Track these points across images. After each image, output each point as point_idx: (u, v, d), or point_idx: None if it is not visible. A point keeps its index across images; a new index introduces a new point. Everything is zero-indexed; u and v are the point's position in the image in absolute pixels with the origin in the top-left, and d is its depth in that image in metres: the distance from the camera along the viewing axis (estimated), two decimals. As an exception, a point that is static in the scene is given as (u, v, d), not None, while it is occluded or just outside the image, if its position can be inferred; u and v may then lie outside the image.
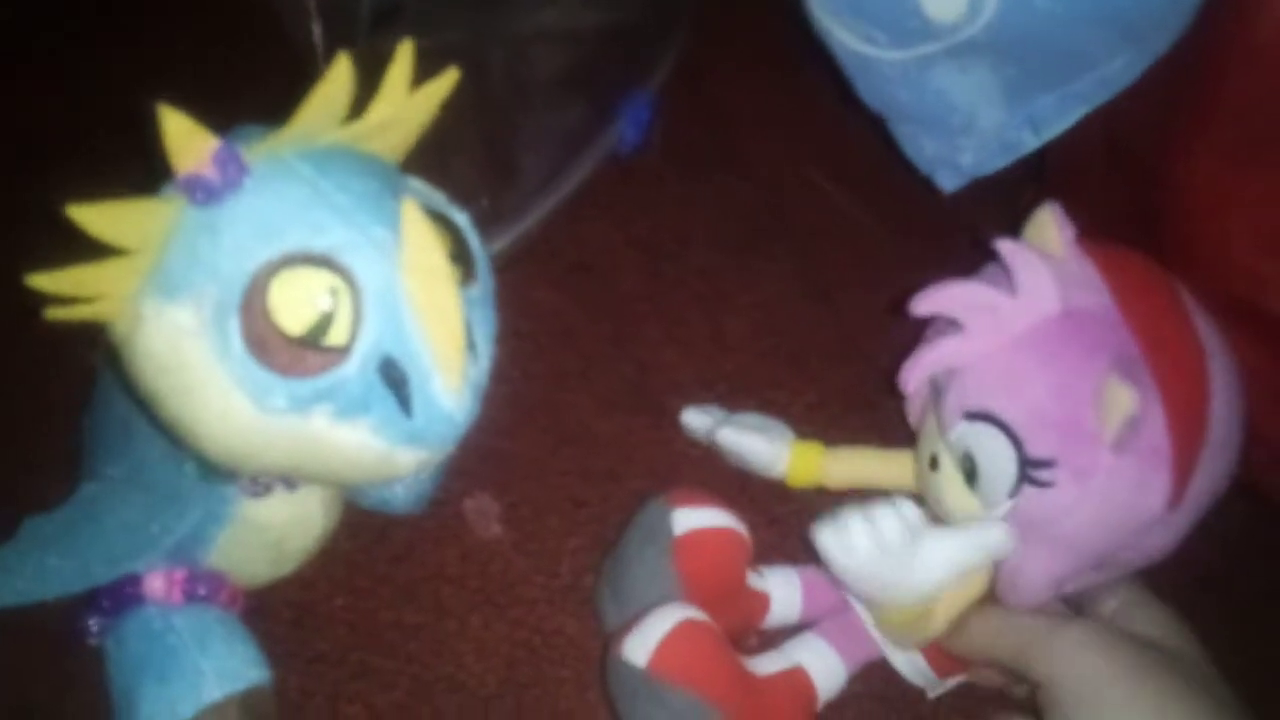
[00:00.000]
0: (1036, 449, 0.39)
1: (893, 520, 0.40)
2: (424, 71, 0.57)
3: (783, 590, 0.49)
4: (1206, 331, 0.41)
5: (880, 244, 0.66)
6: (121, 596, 0.41)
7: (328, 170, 0.34)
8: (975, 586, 0.45)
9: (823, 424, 0.57)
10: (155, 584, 0.41)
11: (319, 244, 0.33)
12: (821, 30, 0.46)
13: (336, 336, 0.33)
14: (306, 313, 0.32)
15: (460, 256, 0.37)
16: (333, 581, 0.50)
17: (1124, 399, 0.37)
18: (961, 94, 0.46)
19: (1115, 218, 0.49)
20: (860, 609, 0.47)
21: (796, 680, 0.45)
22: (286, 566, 0.45)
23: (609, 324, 0.61)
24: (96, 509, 0.41)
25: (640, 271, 0.64)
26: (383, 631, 0.49)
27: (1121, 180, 0.50)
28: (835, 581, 0.43)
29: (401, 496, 0.49)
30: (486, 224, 0.60)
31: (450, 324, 0.34)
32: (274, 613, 0.49)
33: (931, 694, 0.49)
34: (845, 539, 0.40)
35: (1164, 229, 0.46)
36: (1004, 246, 0.40)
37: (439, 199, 0.39)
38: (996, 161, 0.47)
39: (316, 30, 0.52)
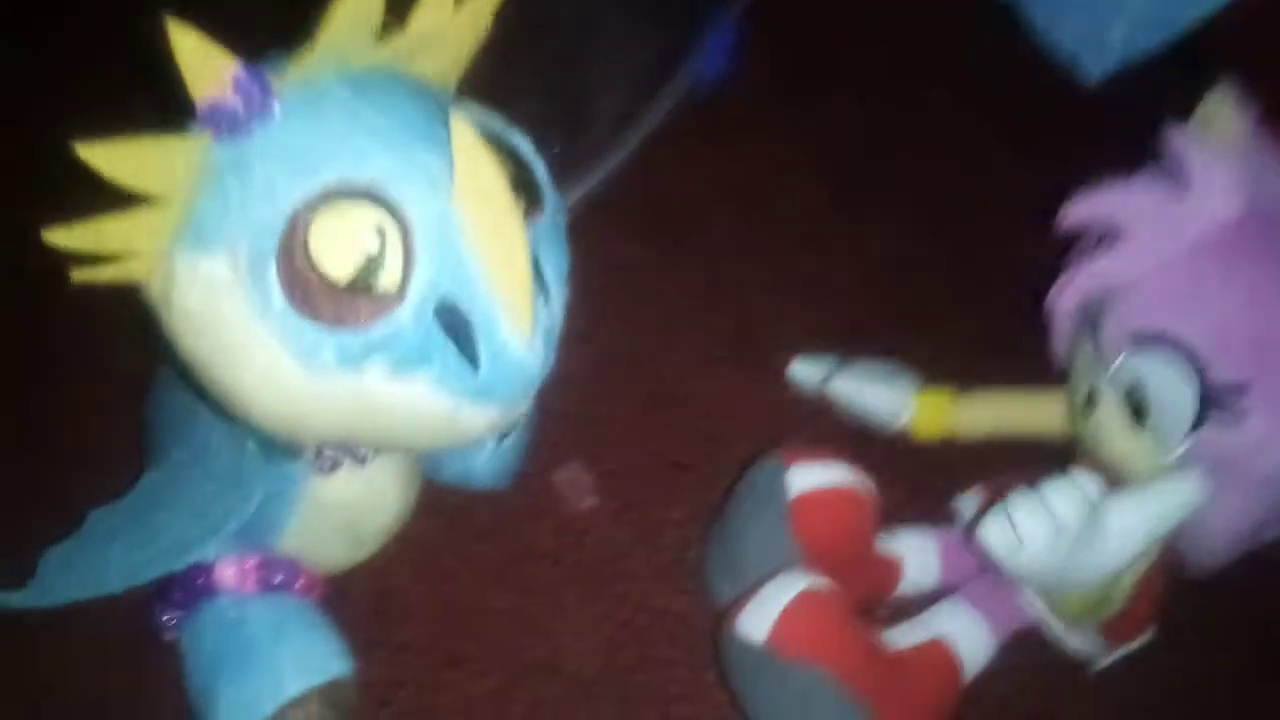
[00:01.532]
0: (1225, 372, 0.33)
1: (1070, 499, 0.33)
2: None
3: (917, 555, 0.44)
4: None
5: (1006, 164, 0.59)
6: (194, 588, 0.38)
7: (366, 93, 0.30)
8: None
9: (948, 373, 0.51)
10: (227, 572, 0.38)
11: (361, 175, 0.29)
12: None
13: (387, 280, 0.29)
14: (352, 255, 0.29)
15: (524, 185, 0.32)
16: (414, 565, 0.46)
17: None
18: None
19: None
20: (1034, 598, 0.40)
21: (938, 653, 0.40)
22: (364, 549, 0.41)
23: (701, 274, 0.56)
24: (160, 496, 0.38)
25: (732, 215, 0.58)
26: (470, 616, 0.45)
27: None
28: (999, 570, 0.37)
29: (483, 469, 0.45)
30: (560, 172, 0.55)
31: (515, 260, 0.29)
32: (354, 600, 0.45)
33: (1099, 664, 0.43)
34: (1017, 532, 0.33)
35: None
36: (1173, 138, 0.34)
37: (497, 123, 0.34)
38: (1153, 36, 0.40)
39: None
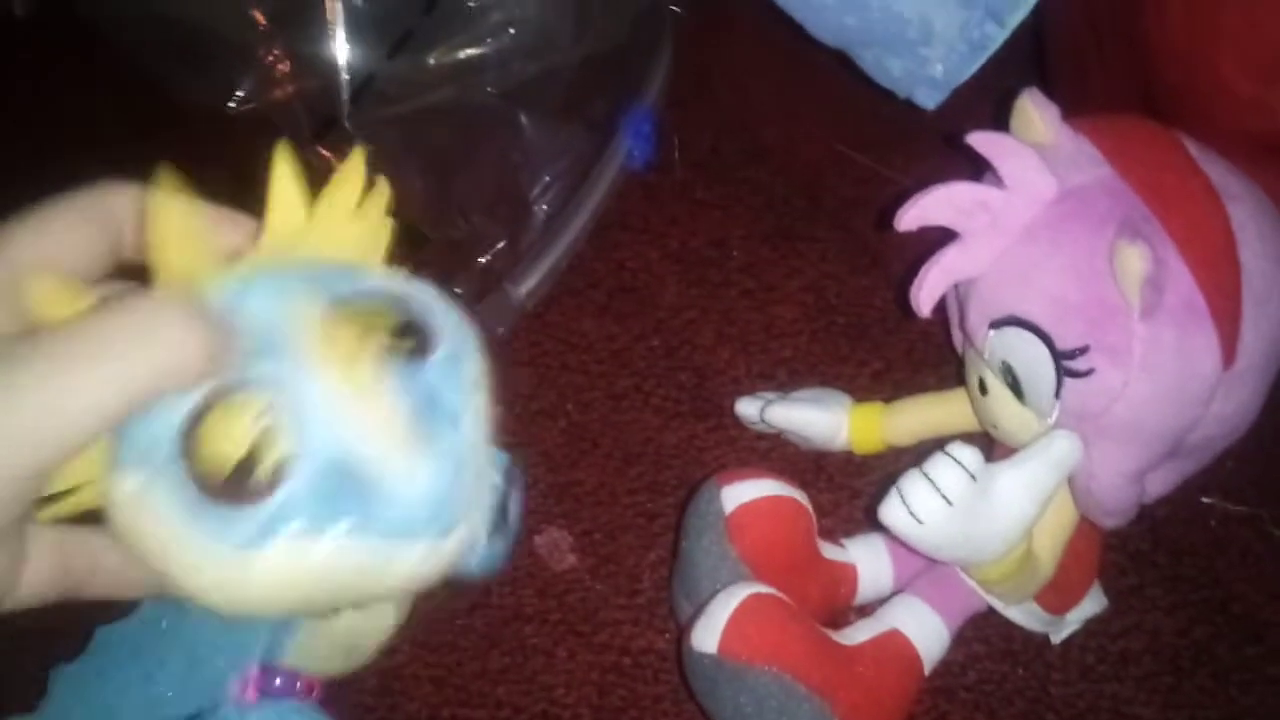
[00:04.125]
0: (1066, 339, 0.36)
1: (951, 470, 0.36)
2: (414, 133, 0.58)
3: (869, 559, 0.46)
4: (1223, 177, 0.37)
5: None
6: None
7: (239, 298, 0.32)
8: (1065, 511, 0.40)
9: (892, 389, 0.54)
10: (231, 685, 0.41)
11: (237, 374, 0.32)
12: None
13: (275, 458, 0.32)
14: (240, 443, 0.32)
15: (407, 329, 0.35)
16: (414, 642, 0.49)
17: (1134, 258, 0.33)
18: (908, 3, 0.43)
19: (1119, 97, 0.46)
20: (966, 577, 0.43)
21: (893, 644, 0.42)
22: (360, 658, 0.44)
23: (659, 338, 0.60)
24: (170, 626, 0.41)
25: (681, 282, 0.62)
26: (470, 682, 0.48)
27: (1113, 56, 0.46)
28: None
29: (474, 562, 0.48)
30: (510, 265, 0.60)
31: (385, 411, 0.33)
32: (360, 682, 0.48)
33: (1056, 638, 0.44)
34: (910, 507, 0.36)
35: (1160, 86, 0.43)
36: (978, 139, 0.37)
37: (373, 277, 0.35)
38: (969, 65, 0.44)
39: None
